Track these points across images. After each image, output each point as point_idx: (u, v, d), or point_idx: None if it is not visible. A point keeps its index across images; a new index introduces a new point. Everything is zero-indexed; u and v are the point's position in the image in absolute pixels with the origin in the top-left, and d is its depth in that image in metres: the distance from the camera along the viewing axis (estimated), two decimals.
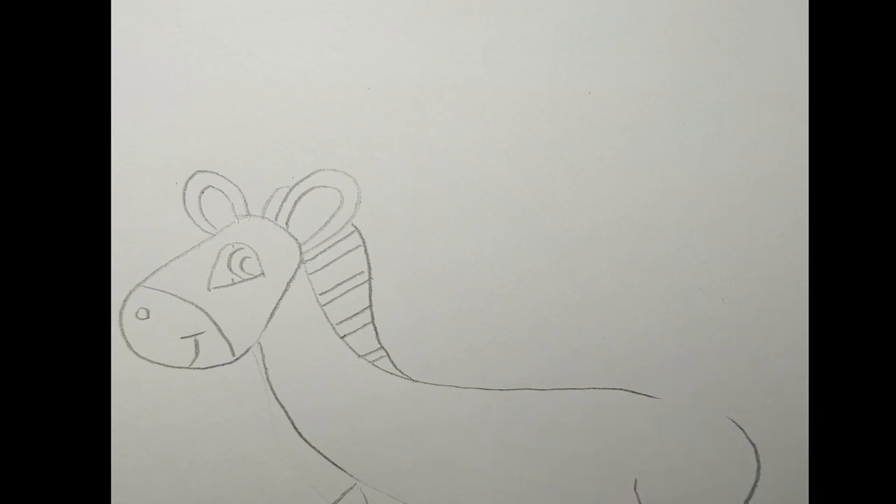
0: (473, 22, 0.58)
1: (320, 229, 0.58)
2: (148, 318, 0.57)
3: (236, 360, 0.58)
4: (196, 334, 0.57)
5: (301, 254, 0.58)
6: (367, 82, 0.58)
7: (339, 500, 0.59)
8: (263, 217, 0.58)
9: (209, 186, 0.58)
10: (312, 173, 0.58)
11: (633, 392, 0.58)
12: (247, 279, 0.58)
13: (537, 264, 0.58)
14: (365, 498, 0.59)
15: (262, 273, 0.58)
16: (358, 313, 0.58)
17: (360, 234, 0.58)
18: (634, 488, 0.58)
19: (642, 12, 0.58)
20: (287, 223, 0.58)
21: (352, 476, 0.59)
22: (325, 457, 0.58)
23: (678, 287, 0.58)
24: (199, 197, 0.58)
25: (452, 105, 0.58)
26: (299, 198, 0.58)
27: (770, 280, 0.58)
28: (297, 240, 0.58)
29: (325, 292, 0.58)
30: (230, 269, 0.57)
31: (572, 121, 0.58)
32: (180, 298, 0.57)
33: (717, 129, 0.58)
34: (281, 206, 0.58)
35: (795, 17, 0.58)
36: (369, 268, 0.58)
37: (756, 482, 0.58)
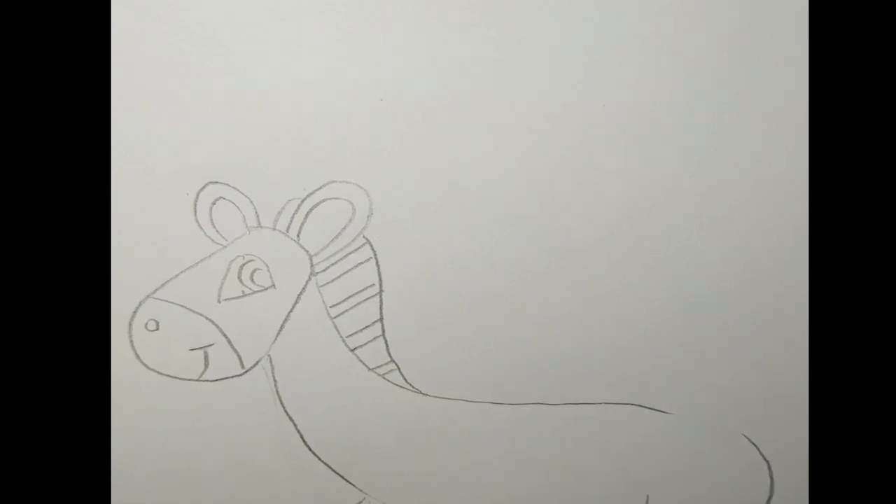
0: (485, 33, 0.58)
1: (331, 241, 0.58)
2: (157, 329, 0.57)
3: (246, 372, 0.57)
4: (206, 346, 0.57)
5: (312, 266, 0.58)
6: (379, 93, 0.58)
7: None
8: (275, 229, 0.58)
9: (220, 198, 0.58)
10: (324, 185, 0.58)
11: (644, 407, 0.58)
12: (257, 291, 0.57)
13: (547, 276, 0.58)
14: None
15: (273, 285, 0.58)
16: (368, 326, 0.58)
17: (371, 246, 0.58)
18: None
19: (648, 21, 0.58)
20: (298, 235, 0.58)
21: (360, 490, 0.58)
22: (333, 470, 0.58)
23: (691, 297, 0.58)
24: (210, 208, 0.57)
25: (463, 116, 0.58)
26: (311, 210, 0.58)
27: (779, 291, 0.58)
28: (308, 252, 0.58)
29: (336, 304, 0.58)
30: (241, 281, 0.57)
31: (582, 131, 0.58)
32: (190, 310, 0.57)
33: (718, 135, 0.58)
34: (292, 217, 0.58)
35: (795, 27, 0.58)
36: (380, 280, 0.58)
37: (770, 498, 0.58)
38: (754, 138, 0.58)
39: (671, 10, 0.58)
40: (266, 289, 0.58)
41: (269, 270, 0.57)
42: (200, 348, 0.57)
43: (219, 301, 0.57)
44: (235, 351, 0.57)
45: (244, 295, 0.57)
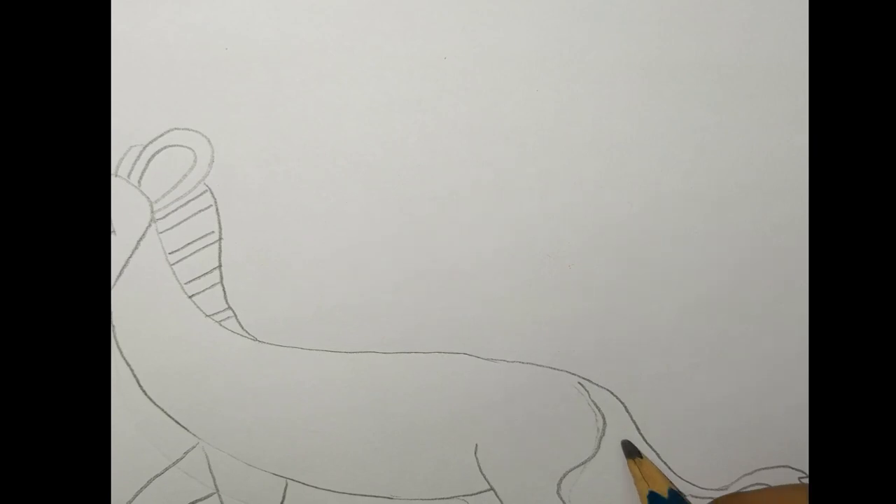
0: None
1: (172, 188, 0.58)
2: None
3: None
4: None
5: (152, 212, 0.58)
6: (225, 42, 0.58)
7: (181, 459, 0.58)
8: (116, 175, 0.58)
9: None
10: (166, 132, 0.58)
11: (476, 357, 0.59)
12: None
13: (391, 230, 0.59)
14: (207, 457, 0.58)
15: (113, 231, 0.58)
16: (207, 273, 0.58)
17: (212, 193, 0.58)
18: (475, 453, 0.59)
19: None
20: (139, 181, 0.58)
21: (195, 435, 0.58)
22: (169, 415, 0.58)
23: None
24: None
25: (310, 66, 0.59)
26: (152, 156, 0.58)
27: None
28: (148, 198, 0.58)
29: (175, 251, 0.58)
30: None
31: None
32: None
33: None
34: (134, 164, 0.58)
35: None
36: (220, 228, 0.58)
37: (601, 439, 0.59)
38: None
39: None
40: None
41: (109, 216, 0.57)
42: None
43: None
44: None
45: None
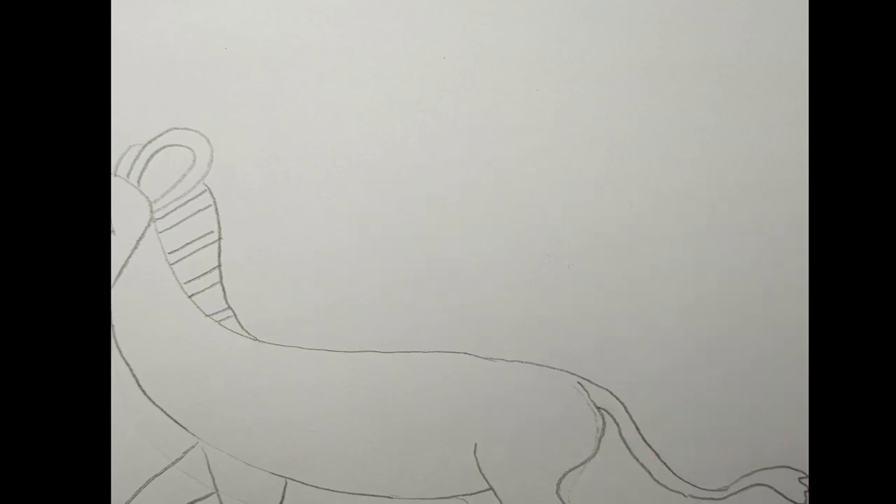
0: None
1: (172, 188, 0.58)
2: None
3: None
4: None
5: (152, 212, 0.58)
6: (225, 42, 0.58)
7: (180, 459, 0.58)
8: (115, 174, 0.58)
9: None
10: (166, 131, 0.58)
11: (477, 356, 0.59)
12: None
13: (391, 230, 0.59)
14: (206, 457, 0.58)
15: (112, 231, 0.58)
16: (207, 272, 0.58)
17: (211, 193, 0.58)
18: (474, 452, 0.59)
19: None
20: (138, 181, 0.58)
21: (194, 435, 0.58)
22: (168, 415, 0.58)
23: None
24: None
25: (310, 66, 0.59)
26: (152, 156, 0.58)
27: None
28: (147, 198, 0.58)
29: (175, 251, 0.58)
30: None
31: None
32: None
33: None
34: (133, 163, 0.58)
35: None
36: (219, 227, 0.58)
37: (600, 439, 0.59)
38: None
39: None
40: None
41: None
42: None
43: None
44: None
45: None
